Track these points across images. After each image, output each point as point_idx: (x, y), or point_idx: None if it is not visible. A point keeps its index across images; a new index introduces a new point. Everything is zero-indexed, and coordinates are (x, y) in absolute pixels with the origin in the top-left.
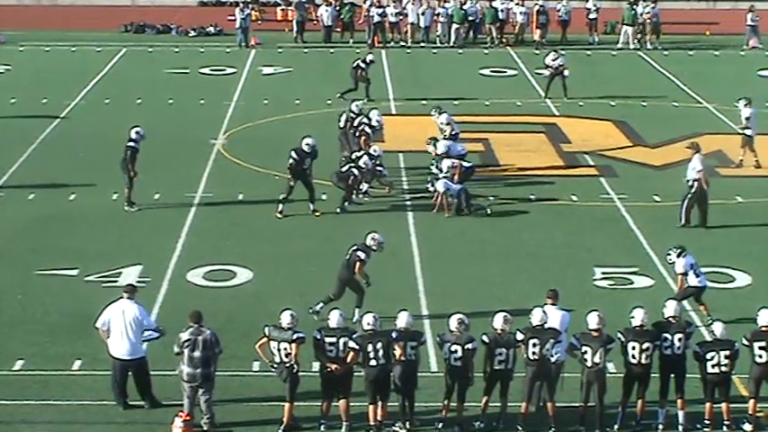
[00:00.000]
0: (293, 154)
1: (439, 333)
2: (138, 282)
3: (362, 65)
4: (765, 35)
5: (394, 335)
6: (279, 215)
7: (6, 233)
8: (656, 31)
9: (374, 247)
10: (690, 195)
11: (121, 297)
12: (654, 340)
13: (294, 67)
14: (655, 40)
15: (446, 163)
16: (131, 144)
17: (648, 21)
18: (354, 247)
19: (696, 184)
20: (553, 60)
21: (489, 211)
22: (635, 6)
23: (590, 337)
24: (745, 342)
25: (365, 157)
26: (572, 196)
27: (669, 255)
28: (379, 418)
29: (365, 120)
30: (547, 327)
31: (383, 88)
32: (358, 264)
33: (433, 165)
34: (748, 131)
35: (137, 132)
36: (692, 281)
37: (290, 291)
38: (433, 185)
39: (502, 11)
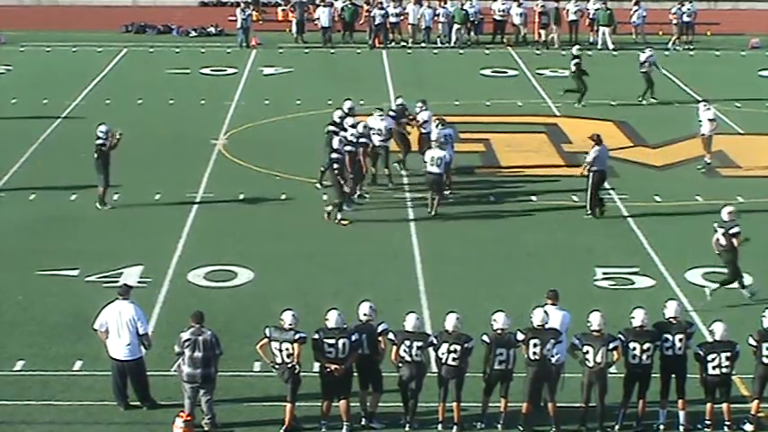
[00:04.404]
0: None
1: (434, 334)
2: (139, 282)
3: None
4: (766, 35)
5: (387, 333)
6: (344, 222)
7: (7, 233)
8: (690, 31)
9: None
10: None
11: (117, 298)
12: (654, 340)
13: (295, 67)
14: (688, 40)
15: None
16: (99, 142)
17: (677, 21)
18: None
19: (592, 174)
20: (648, 57)
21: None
22: (609, 7)
23: (591, 337)
24: (753, 342)
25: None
26: (572, 196)
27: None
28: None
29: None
30: (547, 327)
31: (384, 89)
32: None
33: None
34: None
35: (101, 131)
36: None
37: (290, 291)
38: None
39: (521, 14)
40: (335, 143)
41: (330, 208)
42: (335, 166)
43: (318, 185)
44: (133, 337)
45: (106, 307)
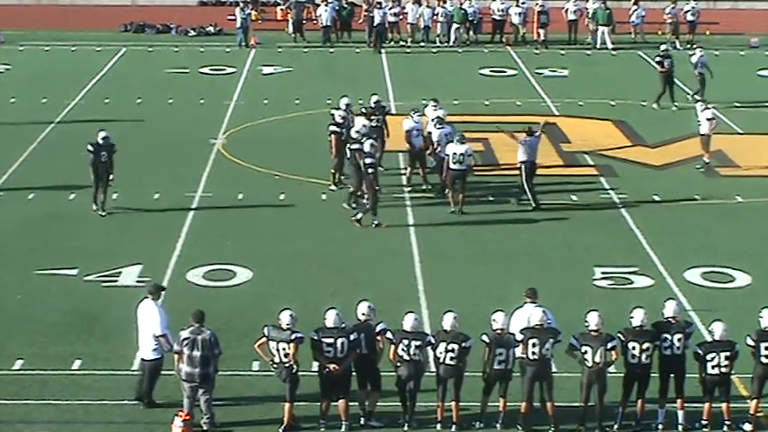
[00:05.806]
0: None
1: (432, 333)
2: (138, 282)
3: None
4: (765, 35)
5: (386, 333)
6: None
7: (6, 233)
8: (693, 31)
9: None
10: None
11: (146, 297)
12: (654, 340)
13: (294, 66)
14: (690, 39)
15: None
16: (91, 148)
17: (671, 20)
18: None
19: (523, 165)
20: (699, 58)
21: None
22: (608, 7)
23: (589, 337)
24: (751, 342)
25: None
26: (572, 196)
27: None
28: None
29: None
30: (546, 327)
31: (383, 89)
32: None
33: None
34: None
35: (101, 137)
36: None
37: (289, 291)
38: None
39: (520, 14)
40: (367, 147)
41: (360, 215)
42: (370, 171)
43: (333, 187)
44: (152, 337)
45: (138, 305)
